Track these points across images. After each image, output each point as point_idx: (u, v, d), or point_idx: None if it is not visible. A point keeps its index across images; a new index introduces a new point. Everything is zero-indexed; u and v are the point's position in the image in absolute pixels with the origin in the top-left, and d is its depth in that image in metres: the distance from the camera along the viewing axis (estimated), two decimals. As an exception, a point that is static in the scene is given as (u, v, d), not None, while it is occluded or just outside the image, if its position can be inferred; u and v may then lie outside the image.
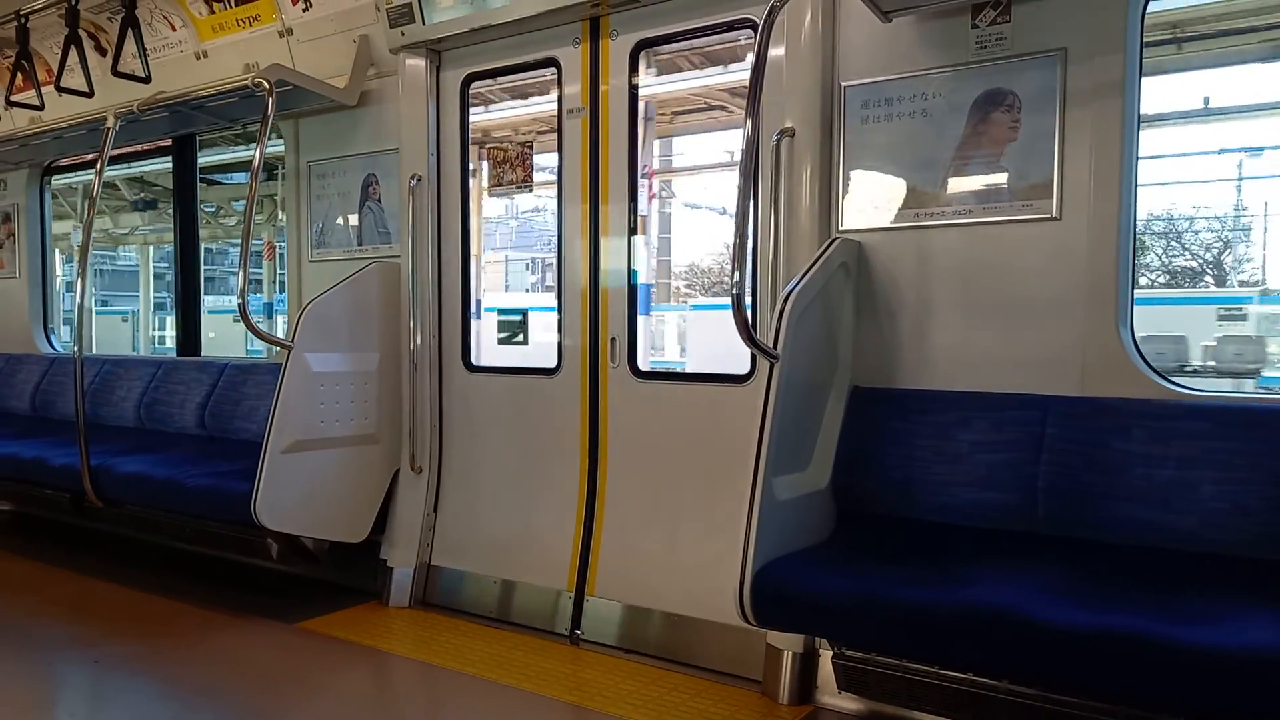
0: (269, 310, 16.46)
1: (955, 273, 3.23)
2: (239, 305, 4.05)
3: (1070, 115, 3.01)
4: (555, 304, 4.19)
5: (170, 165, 6.20)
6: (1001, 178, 3.13)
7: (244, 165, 14.11)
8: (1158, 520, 2.69)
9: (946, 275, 3.24)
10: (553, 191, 4.20)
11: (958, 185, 3.21)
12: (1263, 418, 2.65)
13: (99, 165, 4.81)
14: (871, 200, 3.38)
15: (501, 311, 4.81)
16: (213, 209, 16.60)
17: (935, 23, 3.24)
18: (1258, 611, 2.28)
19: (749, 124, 2.78)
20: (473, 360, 4.53)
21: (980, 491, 2.96)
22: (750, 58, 2.80)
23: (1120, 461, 2.77)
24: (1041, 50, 3.05)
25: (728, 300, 2.69)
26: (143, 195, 16.83)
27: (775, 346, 2.83)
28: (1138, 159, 2.98)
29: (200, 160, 6.16)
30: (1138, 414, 2.81)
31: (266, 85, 4.09)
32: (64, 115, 5.55)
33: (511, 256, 19.57)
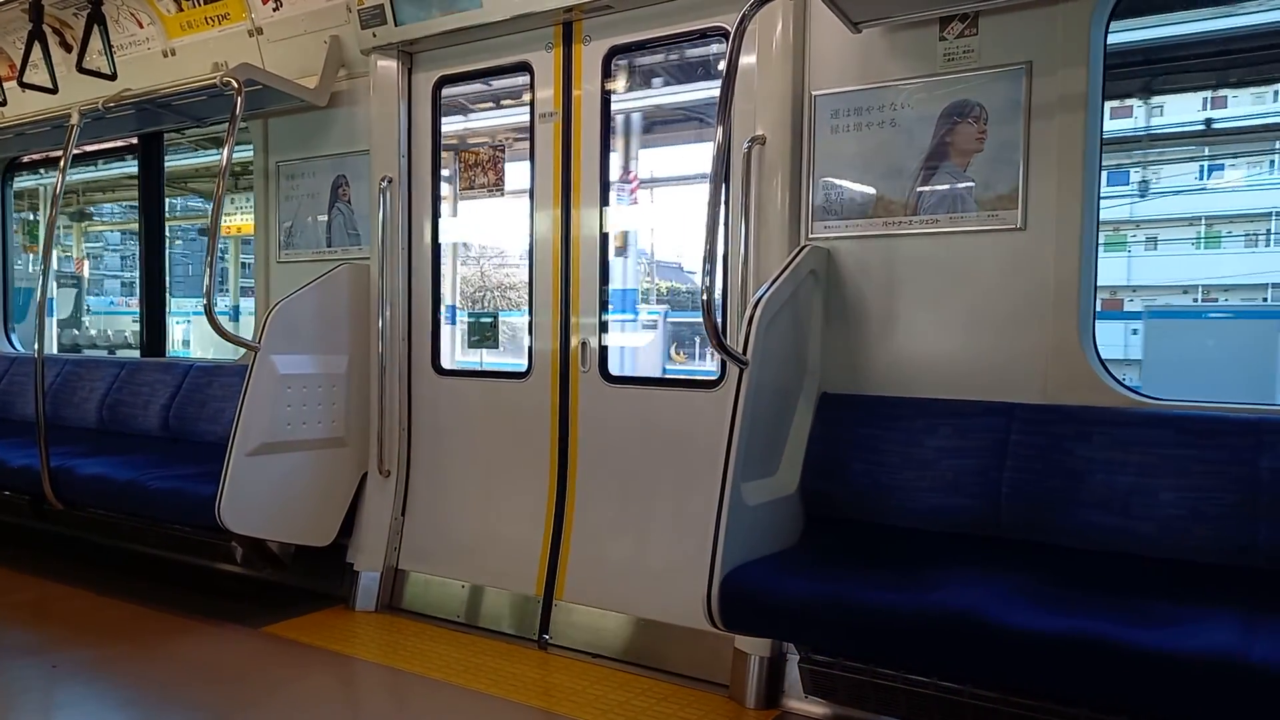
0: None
1: (922, 281, 3.27)
2: (204, 306, 4.01)
3: (1035, 127, 3.06)
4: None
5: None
6: (968, 188, 3.18)
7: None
8: (1118, 526, 2.74)
9: (914, 283, 3.29)
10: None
11: (925, 195, 3.25)
12: (1220, 427, 2.71)
13: (63, 163, 4.74)
14: (841, 208, 3.41)
15: (471, 314, 4.79)
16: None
17: (904, 34, 3.29)
18: (1214, 615, 2.32)
19: (719, 131, 2.80)
20: (443, 364, 4.51)
21: (946, 497, 3.00)
22: (722, 66, 2.82)
23: (1082, 468, 2.82)
24: (1007, 63, 3.10)
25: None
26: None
27: (745, 352, 2.84)
28: (1100, 171, 3.04)
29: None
30: (1099, 422, 2.86)
31: (235, 84, 4.06)
32: (27, 111, 5.47)
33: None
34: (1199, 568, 2.64)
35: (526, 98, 4.20)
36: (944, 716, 2.69)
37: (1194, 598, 2.47)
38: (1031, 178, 3.07)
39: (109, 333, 14.73)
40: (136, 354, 6.16)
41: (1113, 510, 2.74)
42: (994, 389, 3.11)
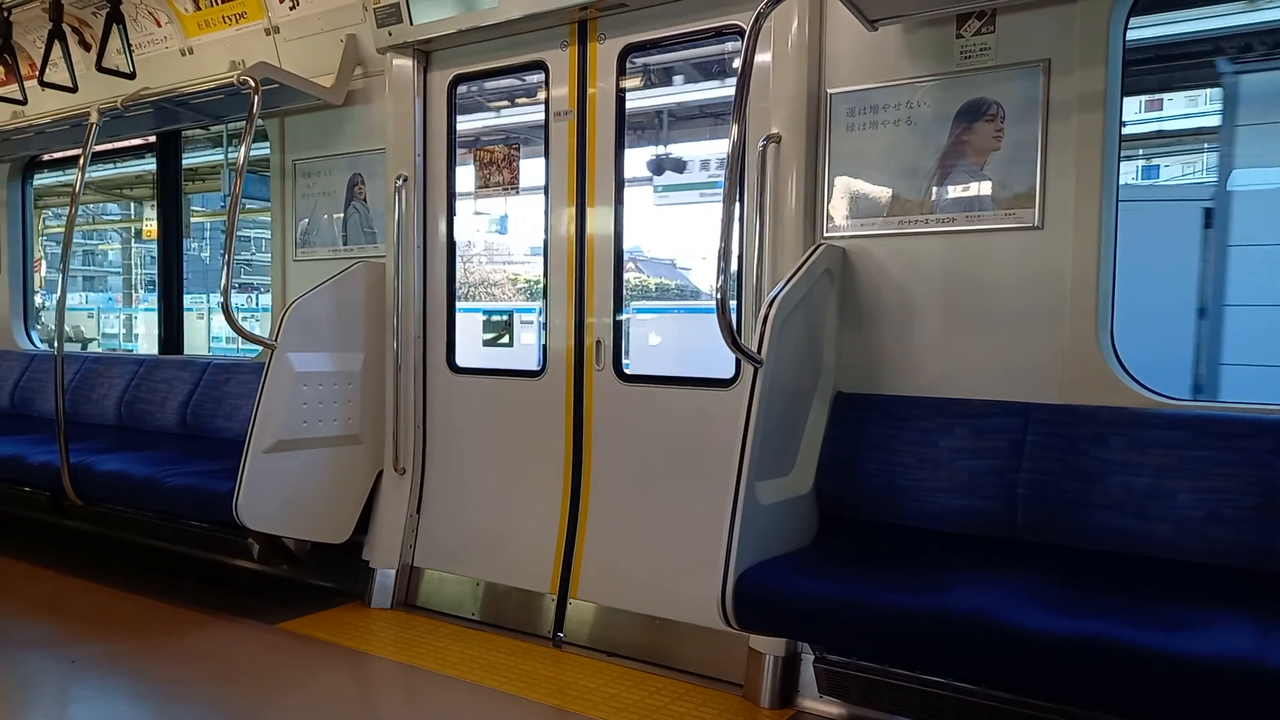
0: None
1: (938, 280, 3.25)
2: (221, 303, 4.04)
3: (1053, 126, 3.04)
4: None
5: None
6: (984, 187, 3.16)
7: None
8: (1134, 528, 2.72)
9: (930, 282, 3.27)
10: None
11: (941, 193, 3.24)
12: (1238, 428, 2.69)
13: (82, 161, 4.77)
14: (856, 207, 3.40)
15: (487, 312, 4.80)
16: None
17: (921, 32, 3.27)
18: (1231, 619, 2.30)
19: (734, 129, 2.79)
20: (458, 362, 4.53)
21: (961, 498, 2.99)
22: (737, 64, 2.81)
23: (1098, 469, 2.80)
24: (1025, 61, 3.08)
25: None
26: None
27: (759, 351, 2.84)
28: (1119, 170, 3.01)
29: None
30: (1116, 422, 2.84)
31: (252, 83, 4.07)
32: (47, 110, 5.51)
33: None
34: (1216, 570, 2.62)
35: (541, 96, 4.20)
36: (958, 717, 2.69)
37: (1211, 601, 2.44)
38: (1049, 176, 3.05)
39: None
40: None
41: (1129, 512, 2.72)
42: (1010, 389, 3.09)
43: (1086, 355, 3.00)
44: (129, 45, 5.19)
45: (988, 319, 3.17)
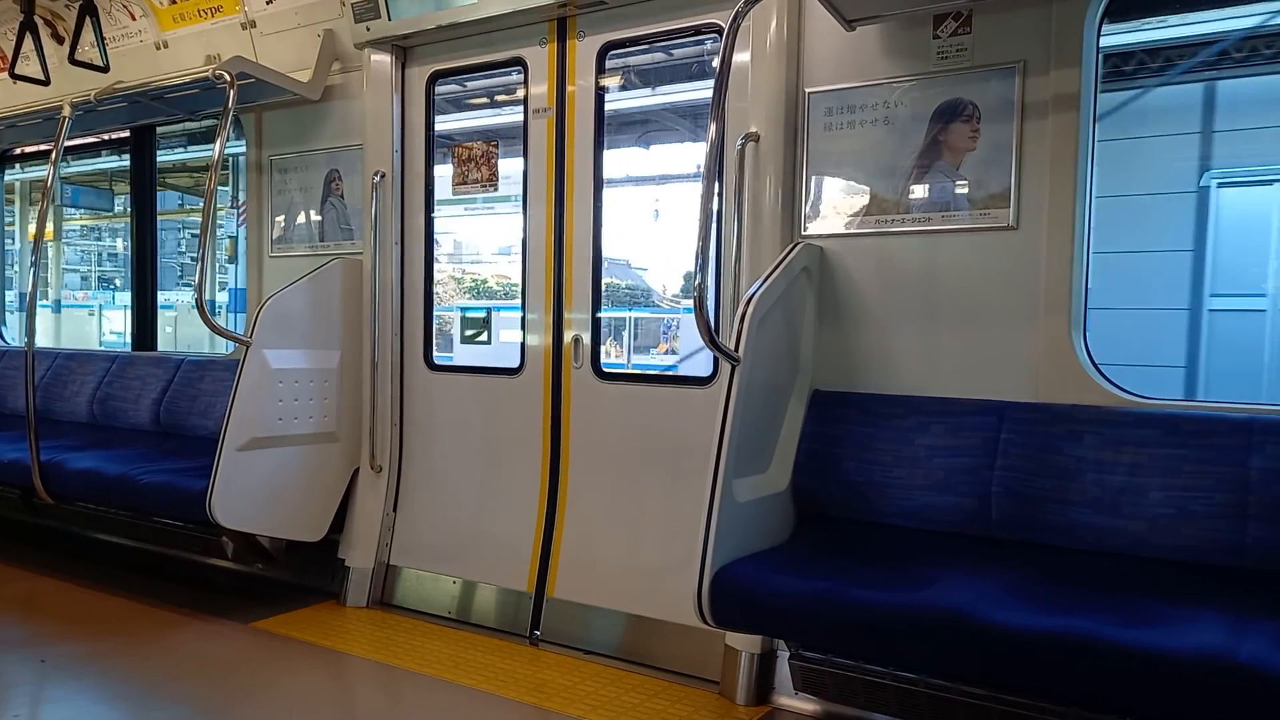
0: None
1: (915, 279, 3.28)
2: (196, 300, 4.00)
3: (1028, 126, 3.07)
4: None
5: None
6: (960, 187, 3.18)
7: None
8: (1108, 525, 2.75)
9: (906, 282, 3.29)
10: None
11: (918, 193, 3.26)
12: (1210, 426, 2.72)
13: (54, 155, 4.71)
14: (834, 206, 3.41)
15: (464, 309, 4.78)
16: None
17: (898, 32, 3.29)
18: (1203, 614, 2.33)
19: (713, 128, 2.80)
20: (434, 359, 4.51)
21: (937, 495, 3.01)
22: (716, 62, 2.82)
23: (1072, 467, 2.83)
24: (1001, 62, 3.11)
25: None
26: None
27: (737, 349, 2.85)
28: (1093, 170, 3.04)
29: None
30: (1090, 421, 2.87)
31: (228, 77, 4.04)
32: (18, 103, 5.44)
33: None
34: (1188, 567, 2.65)
35: (520, 93, 4.19)
36: (934, 713, 2.70)
37: (1183, 597, 2.48)
38: (1024, 177, 3.08)
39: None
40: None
41: (1103, 509, 2.75)
42: (986, 388, 3.12)
43: (1061, 355, 3.03)
44: (102, 38, 5.13)
45: (963, 318, 3.19)
